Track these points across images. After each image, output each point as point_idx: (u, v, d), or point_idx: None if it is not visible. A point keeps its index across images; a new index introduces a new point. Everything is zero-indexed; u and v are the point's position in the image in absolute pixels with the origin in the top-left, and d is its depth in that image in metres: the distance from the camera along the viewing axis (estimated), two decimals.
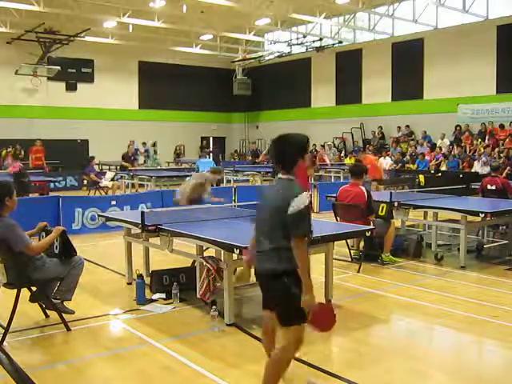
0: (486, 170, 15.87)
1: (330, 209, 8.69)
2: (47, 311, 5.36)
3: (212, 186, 8.75)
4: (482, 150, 18.72)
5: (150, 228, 5.84)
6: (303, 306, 3.27)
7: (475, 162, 18.34)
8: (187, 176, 15.26)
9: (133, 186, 17.12)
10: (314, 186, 13.19)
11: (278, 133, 3.55)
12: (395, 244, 8.03)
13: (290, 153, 3.45)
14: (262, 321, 3.82)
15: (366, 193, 7.71)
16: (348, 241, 7.93)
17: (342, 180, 16.56)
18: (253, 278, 3.76)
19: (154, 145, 21.38)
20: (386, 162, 20.34)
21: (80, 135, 25.25)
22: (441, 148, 20.38)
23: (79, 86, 25.77)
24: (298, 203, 3.27)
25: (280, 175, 3.48)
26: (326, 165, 20.26)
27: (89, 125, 25.16)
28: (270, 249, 3.39)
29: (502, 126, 19.68)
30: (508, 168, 16.58)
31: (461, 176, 16.58)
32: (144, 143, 23.54)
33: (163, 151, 25.87)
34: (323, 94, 26.62)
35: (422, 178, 16.03)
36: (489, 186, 9.64)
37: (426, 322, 5.51)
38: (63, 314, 5.09)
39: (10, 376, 4.14)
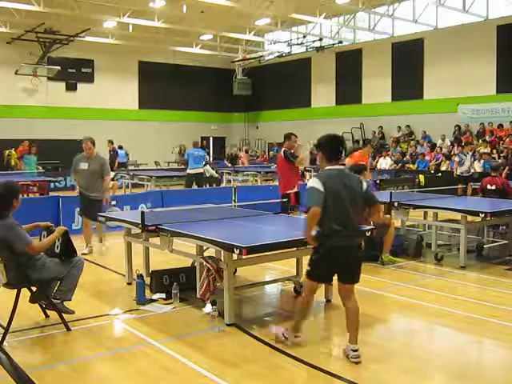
0: (462, 170, 14.95)
1: None
2: (47, 311, 5.35)
3: None
4: (483, 150, 18.70)
5: (149, 228, 5.84)
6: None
7: (475, 162, 18.32)
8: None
9: (127, 186, 17.24)
10: None
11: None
12: (395, 244, 8.03)
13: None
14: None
15: None
16: None
17: None
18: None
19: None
20: (385, 162, 20.39)
21: (80, 135, 25.11)
22: (441, 148, 20.37)
23: (79, 86, 25.77)
24: None
25: None
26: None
27: (89, 125, 25.13)
28: None
29: (500, 126, 19.66)
30: (508, 168, 16.58)
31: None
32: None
33: (163, 151, 25.87)
34: (323, 93, 26.62)
35: (422, 178, 16.04)
36: (489, 186, 9.65)
37: (426, 322, 5.50)
38: (63, 314, 5.08)
39: (9, 376, 4.13)
